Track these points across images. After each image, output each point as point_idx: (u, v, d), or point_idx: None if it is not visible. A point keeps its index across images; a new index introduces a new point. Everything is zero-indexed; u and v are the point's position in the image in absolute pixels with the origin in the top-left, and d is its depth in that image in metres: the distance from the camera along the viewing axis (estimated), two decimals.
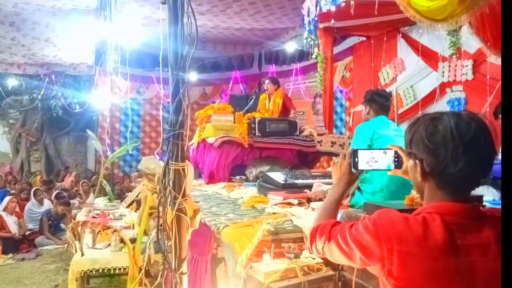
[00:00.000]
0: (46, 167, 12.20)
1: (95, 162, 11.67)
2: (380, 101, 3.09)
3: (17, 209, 7.35)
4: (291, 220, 2.96)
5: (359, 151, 1.44)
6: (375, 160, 1.41)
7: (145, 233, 3.47)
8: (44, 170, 11.94)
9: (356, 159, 1.43)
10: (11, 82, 10.13)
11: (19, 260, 6.28)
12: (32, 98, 11.21)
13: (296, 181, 3.61)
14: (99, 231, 3.39)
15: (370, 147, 2.88)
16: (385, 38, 5.91)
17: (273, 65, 8.90)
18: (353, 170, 1.45)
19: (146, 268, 3.40)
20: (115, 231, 3.33)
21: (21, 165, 12.32)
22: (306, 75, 8.18)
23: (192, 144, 5.09)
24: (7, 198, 7.37)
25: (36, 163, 12.50)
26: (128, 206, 5.29)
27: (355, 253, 1.19)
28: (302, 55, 7.25)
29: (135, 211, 4.95)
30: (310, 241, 1.42)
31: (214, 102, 7.76)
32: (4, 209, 7.08)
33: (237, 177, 4.69)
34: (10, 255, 6.44)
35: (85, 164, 12.96)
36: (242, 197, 3.88)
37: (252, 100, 5.51)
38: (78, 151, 13.18)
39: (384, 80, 6.04)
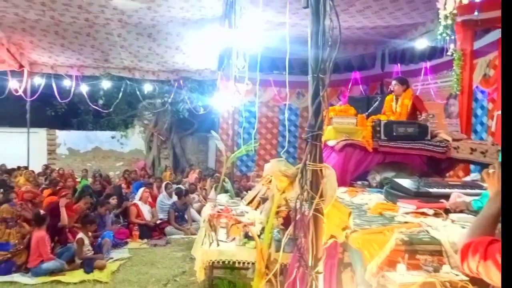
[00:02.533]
0: (173, 164, 13.51)
1: (215, 161, 12.46)
2: None
3: (150, 199, 8.23)
4: (427, 231, 2.75)
5: None
6: None
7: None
8: (172, 166, 13.22)
9: None
10: (147, 87, 11.37)
11: (152, 246, 7.03)
12: (163, 101, 12.49)
13: (430, 190, 3.34)
14: (232, 225, 3.60)
15: None
16: None
17: (398, 64, 8.40)
18: None
19: (268, 264, 3.51)
20: (245, 226, 3.49)
21: (153, 161, 13.84)
22: (437, 74, 7.53)
23: None
24: (141, 189, 8.31)
25: (165, 160, 13.91)
26: (248, 204, 5.53)
27: None
28: (433, 52, 6.68)
29: (255, 209, 5.15)
30: (461, 258, 1.32)
31: (332, 105, 7.64)
32: (140, 199, 8.00)
33: (359, 182, 4.54)
34: (145, 240, 7.26)
35: (206, 163, 13.98)
36: (366, 203, 3.74)
37: (377, 102, 5.28)
38: (200, 150, 14.31)
39: None
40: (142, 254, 6.56)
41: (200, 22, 7.87)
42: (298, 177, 2.33)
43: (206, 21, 7.78)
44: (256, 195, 5.39)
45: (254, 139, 8.88)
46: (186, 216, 8.03)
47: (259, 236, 3.88)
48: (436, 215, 3.02)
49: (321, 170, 2.29)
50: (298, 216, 2.32)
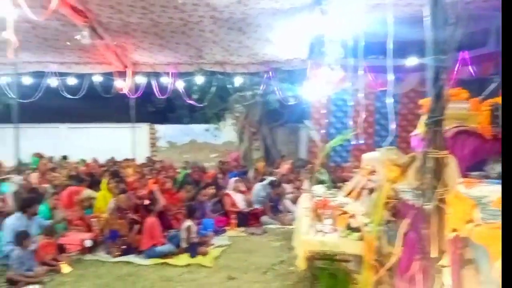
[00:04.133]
0: (264, 155, 13.75)
1: (307, 151, 12.36)
2: None
3: (241, 188, 8.45)
4: None
5: None
6: None
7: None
8: (263, 157, 13.46)
9: None
10: (238, 81, 11.65)
11: (250, 234, 7.26)
12: (253, 93, 12.73)
13: None
14: (338, 215, 3.53)
15: None
16: None
17: None
18: None
19: (379, 258, 3.38)
20: (351, 216, 3.40)
21: (245, 152, 14.23)
22: None
23: (416, 135, 4.75)
24: (232, 179, 8.59)
25: (256, 151, 14.24)
26: (347, 195, 5.39)
27: None
28: None
29: (355, 200, 5.00)
30: None
31: None
32: (232, 189, 8.29)
33: (474, 173, 4.12)
34: (243, 228, 7.51)
35: (296, 153, 14.00)
36: (487, 196, 3.38)
37: (496, 84, 4.73)
38: (291, 141, 14.37)
39: None
40: (241, 242, 6.79)
41: (290, 12, 7.80)
42: (418, 165, 2.20)
43: (296, 10, 7.70)
44: (356, 186, 5.24)
45: (349, 129, 8.62)
46: (280, 207, 8.13)
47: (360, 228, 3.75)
48: None
49: (443, 158, 2.13)
50: (418, 207, 2.19)
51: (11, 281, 4.93)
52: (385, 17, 4.83)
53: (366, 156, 5.40)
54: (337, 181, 7.89)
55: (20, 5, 5.37)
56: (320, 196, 5.30)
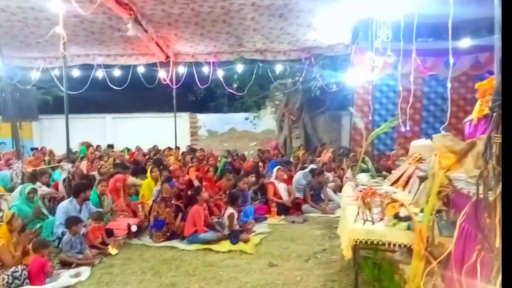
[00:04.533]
0: (304, 143, 13.59)
1: (349, 139, 12.09)
2: None
3: (284, 176, 8.40)
4: None
5: None
6: None
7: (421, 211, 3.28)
8: (303, 146, 13.32)
9: None
10: (278, 68, 11.54)
11: (290, 222, 7.20)
12: (294, 81, 12.55)
13: None
14: (388, 203, 3.40)
15: None
16: None
17: None
18: None
19: (429, 249, 3.22)
20: (401, 205, 3.26)
21: (284, 141, 14.15)
22: None
23: (470, 120, 4.47)
24: (275, 168, 8.53)
25: (296, 140, 14.11)
26: (392, 184, 5.20)
27: None
28: None
29: (403, 189, 4.81)
30: None
31: (492, 73, 6.59)
32: (275, 178, 8.24)
33: None
34: (283, 216, 7.47)
35: (338, 141, 13.72)
36: None
37: None
38: (333, 129, 14.08)
39: None
40: (281, 230, 6.76)
41: None
42: (478, 151, 2.04)
43: None
44: (402, 174, 5.04)
45: (393, 115, 8.28)
46: (322, 195, 8.01)
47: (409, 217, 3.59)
48: None
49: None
50: (476, 195, 2.04)
51: (63, 263, 5.18)
52: None
53: (414, 144, 5.18)
54: (381, 170, 7.67)
55: (69, 0, 5.55)
56: (365, 185, 5.15)
